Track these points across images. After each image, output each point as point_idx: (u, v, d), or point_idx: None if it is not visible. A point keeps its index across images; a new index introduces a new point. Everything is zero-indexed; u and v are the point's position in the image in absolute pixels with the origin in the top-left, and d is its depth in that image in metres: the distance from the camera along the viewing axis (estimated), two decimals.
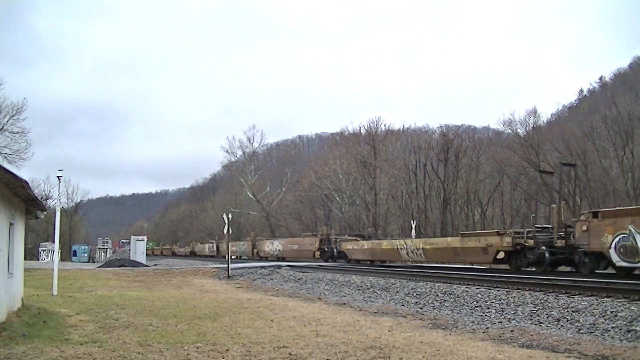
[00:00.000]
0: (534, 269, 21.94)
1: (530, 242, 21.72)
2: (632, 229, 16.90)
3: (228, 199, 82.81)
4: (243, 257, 54.20)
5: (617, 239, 17.62)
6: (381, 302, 15.78)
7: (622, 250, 17.36)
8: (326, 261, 37.42)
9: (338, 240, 38.46)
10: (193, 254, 72.82)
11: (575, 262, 19.93)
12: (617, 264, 17.80)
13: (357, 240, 36.56)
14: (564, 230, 20.79)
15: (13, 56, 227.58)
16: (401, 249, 30.19)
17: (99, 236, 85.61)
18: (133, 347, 8.36)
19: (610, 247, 17.77)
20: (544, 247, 21.27)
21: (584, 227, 19.15)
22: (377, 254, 33.70)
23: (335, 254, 37.72)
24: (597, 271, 19.03)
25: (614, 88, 65.36)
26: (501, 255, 22.69)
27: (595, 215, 19.11)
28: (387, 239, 38.46)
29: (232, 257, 44.88)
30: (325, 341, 9.00)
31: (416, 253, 28.91)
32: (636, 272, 18.14)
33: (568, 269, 21.40)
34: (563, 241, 20.39)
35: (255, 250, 51.92)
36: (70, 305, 14.62)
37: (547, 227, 22.76)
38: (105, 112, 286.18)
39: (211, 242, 66.42)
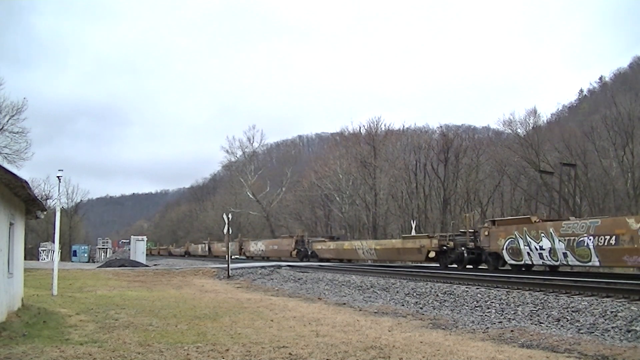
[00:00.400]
0: (455, 265, 26.50)
1: (451, 244, 26.68)
2: (517, 235, 21.58)
3: (228, 199, 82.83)
4: (234, 257, 55.04)
5: (507, 242, 22.27)
6: (381, 302, 15.78)
7: (510, 251, 22.19)
8: (301, 260, 40.88)
9: (310, 241, 43.04)
10: (187, 254, 76.67)
11: (483, 260, 24.24)
12: (508, 262, 22.58)
13: (325, 242, 42.13)
14: (473, 234, 25.00)
15: (13, 56, 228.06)
16: (358, 249, 35.74)
17: (99, 236, 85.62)
18: (133, 347, 8.36)
19: (503, 249, 22.49)
20: (462, 248, 25.69)
21: (486, 233, 23.68)
22: (340, 253, 38.81)
23: (309, 253, 42.11)
24: (499, 267, 23.36)
25: (614, 88, 65.33)
26: (432, 254, 27.41)
27: (493, 223, 24.00)
28: (349, 240, 43.07)
29: (221, 256, 53.77)
30: (325, 341, 9.00)
31: (370, 252, 34.44)
32: (523, 268, 22.56)
33: (488, 266, 24.26)
34: (473, 243, 24.81)
35: (242, 250, 56.02)
36: (70, 305, 14.62)
37: (465, 232, 26.65)
38: (106, 112, 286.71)
39: (203, 243, 70.93)
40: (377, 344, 8.70)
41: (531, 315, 11.74)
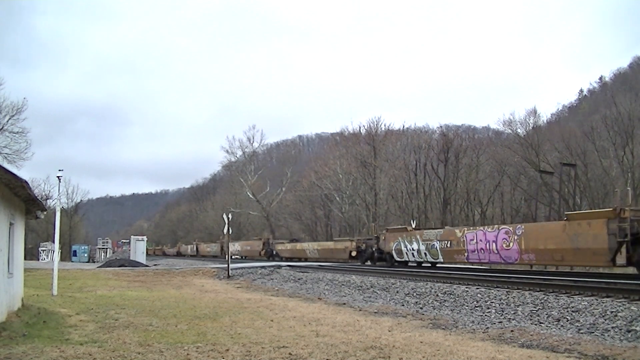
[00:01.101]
0: (369, 262, 33.63)
1: (364, 246, 34.97)
2: (400, 239, 29.75)
3: (228, 199, 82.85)
4: (215, 256, 64.01)
5: (395, 245, 30.22)
6: (381, 302, 15.78)
7: (397, 251, 30.07)
8: (268, 258, 48.24)
9: (273, 243, 51.45)
10: (179, 254, 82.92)
11: (384, 258, 31.55)
12: (396, 259, 30.38)
13: (284, 243, 50.16)
14: (376, 239, 32.72)
15: (13, 56, 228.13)
16: (306, 249, 44.58)
17: (99, 236, 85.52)
18: (133, 347, 8.36)
19: (392, 250, 30.41)
20: (372, 249, 33.38)
21: (383, 237, 31.66)
22: (295, 253, 46.67)
23: (274, 253, 49.68)
24: (394, 264, 30.51)
25: (614, 88, 65.35)
26: (354, 253, 35.96)
27: (387, 230, 32.25)
28: (301, 242, 50.93)
29: (208, 255, 65.92)
30: (325, 341, 9.00)
31: (313, 252, 43.02)
32: (409, 263, 30.06)
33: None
34: (376, 245, 32.38)
35: (222, 250, 60.89)
36: (70, 305, 14.62)
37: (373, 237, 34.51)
38: (106, 112, 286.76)
39: (192, 244, 78.21)
40: (377, 344, 8.70)
41: (531, 315, 11.74)
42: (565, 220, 19.78)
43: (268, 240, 52.23)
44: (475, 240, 24.77)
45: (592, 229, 18.42)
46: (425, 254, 27.60)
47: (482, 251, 24.24)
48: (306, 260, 42.92)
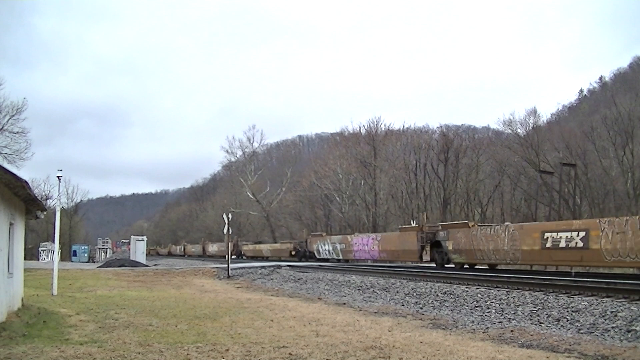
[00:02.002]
0: (304, 259, 42.46)
1: (299, 247, 45.93)
2: (319, 242, 40.92)
3: (228, 199, 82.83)
4: (198, 256, 73.54)
5: (316, 246, 41.57)
6: (381, 302, 15.78)
7: (317, 251, 41.12)
8: (236, 258, 56.19)
9: (241, 244, 61.42)
10: (170, 254, 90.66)
11: (310, 256, 42.26)
12: (317, 257, 40.83)
13: (247, 245, 60.97)
14: (306, 242, 44.84)
15: (14, 57, 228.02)
16: (264, 249, 54.60)
17: (99, 236, 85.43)
18: (133, 347, 8.36)
19: (315, 250, 41.67)
20: (304, 249, 44.67)
21: (310, 240, 43.93)
22: (256, 252, 56.38)
23: (242, 252, 59.64)
24: (318, 257, 40.74)
25: (614, 88, 65.31)
26: (293, 252, 46.24)
27: (311, 236, 44.81)
28: (260, 244, 59.69)
29: (194, 255, 75.40)
30: (325, 341, 9.00)
31: (267, 252, 53.04)
32: (327, 259, 39.25)
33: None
34: (306, 247, 44.25)
35: (204, 250, 71.76)
36: (70, 305, 14.62)
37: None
38: (106, 113, 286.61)
39: (181, 245, 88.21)
40: (377, 344, 8.70)
41: (531, 315, 11.74)
42: (399, 232, 31.68)
43: (237, 242, 61.08)
44: (358, 244, 35.22)
45: (410, 237, 28.50)
46: (332, 252, 39.03)
47: (362, 251, 35.09)
48: (267, 258, 51.83)
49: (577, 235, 18.74)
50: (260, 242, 62.26)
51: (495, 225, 26.16)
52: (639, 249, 16.42)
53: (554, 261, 20.87)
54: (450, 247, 25.36)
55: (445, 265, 26.10)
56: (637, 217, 17.21)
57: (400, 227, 34.79)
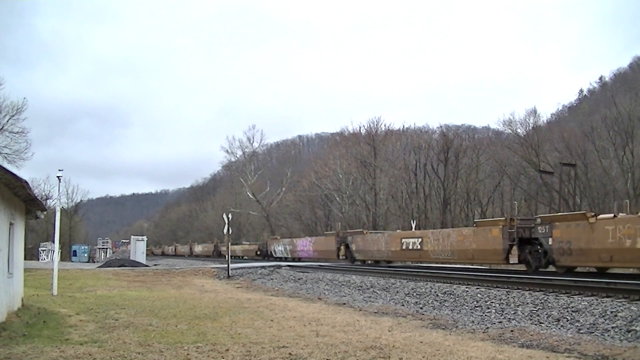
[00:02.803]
0: (266, 259, 49.77)
1: (262, 248, 53.41)
2: (275, 244, 49.43)
3: (228, 199, 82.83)
4: (187, 256, 78.87)
5: (273, 247, 49.39)
6: (381, 302, 15.78)
7: (274, 251, 48.81)
8: (216, 257, 61.56)
9: (219, 245, 64.66)
10: (163, 254, 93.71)
11: (270, 255, 49.41)
12: (274, 256, 47.91)
13: (224, 245, 64.02)
14: (267, 243, 52.48)
15: (15, 57, 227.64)
16: (237, 249, 58.55)
17: (99, 236, 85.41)
18: (133, 347, 8.36)
19: (272, 250, 49.25)
20: (265, 250, 52.07)
21: (269, 242, 51.12)
22: (231, 253, 64.92)
23: (220, 252, 62.23)
24: (275, 256, 48.16)
25: (614, 88, 65.28)
26: (258, 252, 54.03)
27: (270, 239, 53.02)
28: (236, 245, 63.71)
29: (182, 254, 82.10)
30: (325, 341, 9.00)
31: (240, 252, 59.05)
32: (290, 260, 42.88)
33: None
34: (266, 247, 51.54)
35: (191, 250, 77.65)
36: (70, 305, 14.63)
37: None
38: (106, 113, 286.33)
39: (174, 246, 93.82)
40: (377, 344, 8.70)
41: (531, 315, 11.74)
42: (324, 236, 41.63)
43: (217, 243, 66.14)
44: (300, 245, 43.99)
45: (329, 240, 38.41)
46: (284, 252, 46.73)
47: (303, 251, 43.25)
48: (241, 257, 58.11)
49: (417, 241, 27.65)
50: (236, 244, 66.79)
51: (378, 232, 36.93)
52: (446, 250, 25.10)
53: (407, 258, 30.13)
54: (354, 248, 34.85)
55: (354, 262, 34.86)
56: (447, 229, 29.53)
57: (325, 232, 47.64)
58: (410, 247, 28.19)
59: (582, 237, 18.19)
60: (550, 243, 19.67)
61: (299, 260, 43.09)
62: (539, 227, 20.45)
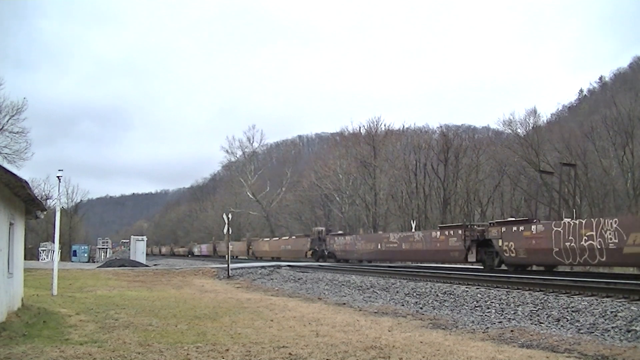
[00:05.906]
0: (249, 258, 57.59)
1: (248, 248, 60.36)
2: (254, 245, 59.54)
3: (228, 199, 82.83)
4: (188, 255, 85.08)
5: (253, 248, 59.26)
6: (381, 302, 15.77)
7: (250, 251, 59.28)
8: (191, 256, 72.02)
9: (215, 244, 70.39)
10: (161, 253, 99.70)
11: (255, 257, 56.33)
12: (256, 256, 56.67)
13: (220, 243, 66.54)
14: (250, 243, 60.89)
15: (16, 58, 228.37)
16: (217, 249, 66.04)
17: (99, 236, 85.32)
18: (133, 347, 8.36)
19: (252, 252, 59.05)
20: (250, 250, 59.17)
21: (251, 245, 60.17)
22: (210, 251, 69.08)
23: (216, 250, 67.60)
24: (246, 257, 57.67)
25: (614, 88, 65.34)
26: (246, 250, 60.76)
27: (255, 241, 61.13)
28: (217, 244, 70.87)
29: (180, 255, 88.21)
30: (325, 341, 9.00)
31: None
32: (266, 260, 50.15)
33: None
34: (251, 248, 59.26)
35: (190, 251, 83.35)
36: (70, 305, 14.62)
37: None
38: (107, 114, 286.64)
39: (168, 246, 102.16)
40: (377, 344, 8.69)
41: (531, 315, 11.74)
42: (288, 238, 50.65)
43: (215, 243, 70.89)
44: (265, 245, 54.00)
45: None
46: (272, 253, 52.65)
47: (267, 252, 52.96)
48: (222, 256, 61.42)
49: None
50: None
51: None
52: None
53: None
54: (336, 249, 39.30)
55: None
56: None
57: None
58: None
59: (344, 244, 37.27)
60: (334, 248, 39.07)
61: (261, 259, 52.48)
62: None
